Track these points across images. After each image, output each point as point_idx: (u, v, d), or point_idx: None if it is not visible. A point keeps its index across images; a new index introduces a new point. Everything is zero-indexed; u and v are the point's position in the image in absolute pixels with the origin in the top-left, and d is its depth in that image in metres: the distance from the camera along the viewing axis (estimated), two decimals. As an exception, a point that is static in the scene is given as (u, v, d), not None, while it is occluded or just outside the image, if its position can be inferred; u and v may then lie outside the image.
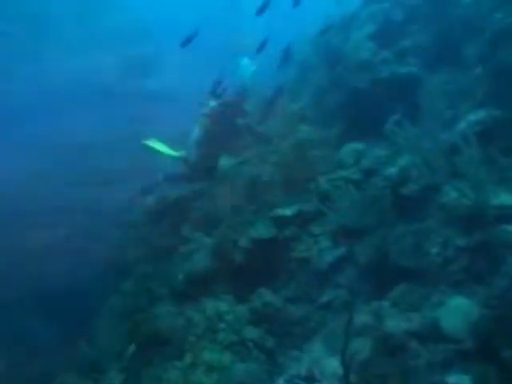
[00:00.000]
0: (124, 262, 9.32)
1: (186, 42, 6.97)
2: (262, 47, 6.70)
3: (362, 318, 4.00)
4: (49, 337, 13.30)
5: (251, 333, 4.11)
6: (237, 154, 8.94)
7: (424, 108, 5.24)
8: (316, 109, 7.62)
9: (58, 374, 7.84)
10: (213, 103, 8.78)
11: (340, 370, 3.17)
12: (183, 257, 7.67)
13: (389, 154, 5.29)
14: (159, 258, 8.71)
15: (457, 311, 3.45)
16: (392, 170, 4.51)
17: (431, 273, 3.97)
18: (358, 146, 5.60)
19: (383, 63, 5.90)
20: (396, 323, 3.60)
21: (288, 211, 5.52)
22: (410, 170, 4.41)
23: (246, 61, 9.07)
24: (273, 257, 5.55)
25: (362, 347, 3.48)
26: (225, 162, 8.65)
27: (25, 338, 13.18)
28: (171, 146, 9.43)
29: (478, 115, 4.42)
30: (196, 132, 8.95)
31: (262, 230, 5.58)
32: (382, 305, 4.03)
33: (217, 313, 4.28)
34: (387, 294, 4.18)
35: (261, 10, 6.63)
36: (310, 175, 6.06)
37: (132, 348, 6.68)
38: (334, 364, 3.76)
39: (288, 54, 8.01)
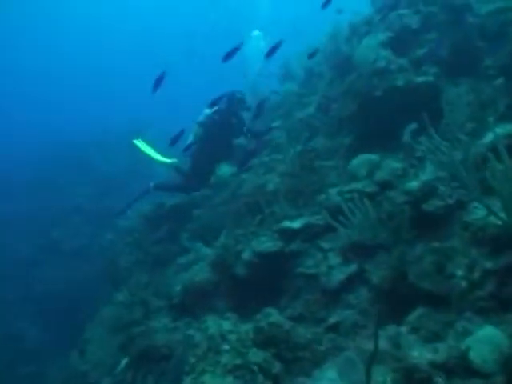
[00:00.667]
0: (118, 269, 9.02)
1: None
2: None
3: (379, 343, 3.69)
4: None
5: (256, 356, 3.77)
6: (236, 163, 8.67)
7: (443, 119, 4.97)
8: (323, 117, 7.35)
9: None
10: (207, 111, 8.49)
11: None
12: (181, 267, 7.37)
13: (405, 167, 4.99)
14: (155, 266, 8.41)
15: (486, 342, 3.14)
16: (413, 184, 4.19)
17: (455, 297, 3.65)
18: (371, 156, 5.29)
19: (399, 72, 5.61)
20: (420, 353, 3.28)
21: (295, 224, 5.20)
22: (434, 185, 4.10)
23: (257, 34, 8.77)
24: (278, 272, 5.23)
25: (382, 379, 3.15)
26: (225, 170, 8.37)
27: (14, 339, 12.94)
28: (163, 152, 9.16)
29: (505, 128, 4.13)
30: (190, 140, 8.65)
31: (267, 243, 5.26)
32: (399, 330, 3.71)
33: (219, 332, 3.94)
34: (404, 317, 3.87)
35: (228, 56, 6.39)
36: (318, 186, 5.76)
37: (124, 362, 6.35)
38: (347, 395, 3.44)
39: (261, 108, 8.02)
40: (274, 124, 8.97)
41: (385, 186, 4.81)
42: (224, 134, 8.47)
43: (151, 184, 8.96)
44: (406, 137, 5.03)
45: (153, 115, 19.68)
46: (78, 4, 40.98)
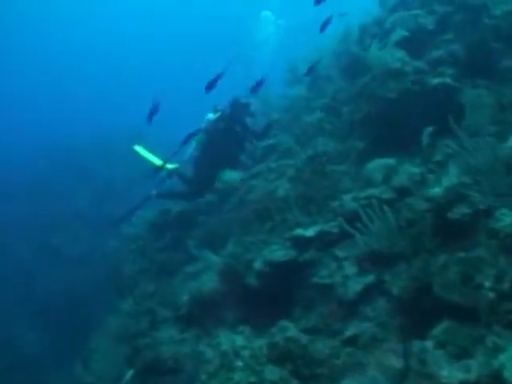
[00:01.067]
0: (122, 277, 8.82)
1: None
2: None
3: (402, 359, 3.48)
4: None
5: (273, 373, 3.55)
6: (243, 168, 8.50)
7: (463, 122, 4.77)
8: (333, 121, 7.15)
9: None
10: (210, 116, 8.32)
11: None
12: (188, 275, 7.17)
13: (423, 172, 4.79)
14: (160, 274, 8.20)
15: (521, 359, 2.92)
16: (436, 191, 3.98)
17: (483, 310, 3.43)
18: (387, 161, 5.08)
19: (415, 73, 5.41)
20: (449, 372, 3.06)
21: (308, 232, 4.98)
22: (458, 191, 3.88)
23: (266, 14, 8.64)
24: (291, 282, 5.02)
25: (411, 401, 2.94)
26: (232, 175, 8.18)
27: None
28: (165, 158, 8.99)
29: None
30: (193, 146, 8.47)
31: (279, 252, 5.04)
32: (424, 345, 3.49)
33: (232, 348, 3.72)
34: (428, 331, 3.65)
35: (149, 116, 6.47)
36: (331, 192, 5.56)
37: (130, 374, 6.13)
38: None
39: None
40: (274, 117, 8.86)
41: (403, 192, 4.59)
42: (227, 140, 8.31)
43: (154, 192, 8.79)
44: (425, 140, 4.81)
45: (154, 120, 19.48)
46: (81, 5, 40.89)
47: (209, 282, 5.90)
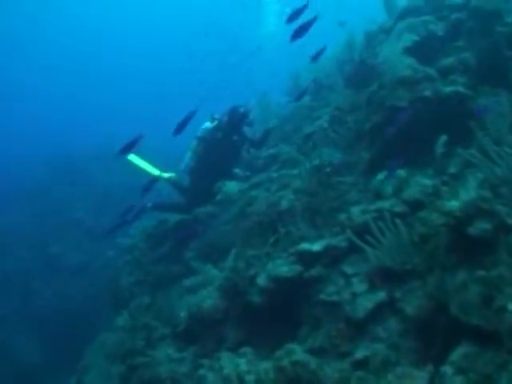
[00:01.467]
0: (118, 289, 8.56)
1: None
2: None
3: (419, 387, 3.22)
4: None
5: (279, 400, 3.28)
6: (241, 179, 8.27)
7: (478, 131, 4.54)
8: (339, 130, 6.92)
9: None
10: (207, 125, 8.09)
11: None
12: (186, 289, 6.90)
13: (436, 184, 4.54)
14: (157, 287, 7.93)
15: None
16: (453, 204, 3.73)
17: (506, 334, 3.18)
18: (398, 172, 4.84)
19: (426, 81, 5.18)
20: (474, 403, 2.80)
21: (315, 246, 4.73)
22: (478, 205, 3.62)
23: None
24: (296, 299, 4.75)
25: None
26: (231, 186, 7.95)
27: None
28: (161, 167, 8.78)
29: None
30: (188, 156, 8.23)
31: (284, 267, 4.78)
32: (443, 371, 3.23)
33: (236, 373, 3.45)
34: (446, 355, 3.39)
35: (124, 151, 6.22)
36: (337, 204, 5.31)
37: (124, 393, 5.85)
38: None
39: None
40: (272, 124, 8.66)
41: (416, 205, 4.35)
42: (225, 150, 8.09)
43: (149, 204, 8.55)
44: (439, 150, 4.58)
45: (155, 128, 19.40)
46: (76, 12, 40.85)
47: (208, 298, 5.63)
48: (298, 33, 5.84)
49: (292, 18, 5.85)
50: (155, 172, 8.80)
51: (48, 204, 16.69)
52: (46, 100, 37.78)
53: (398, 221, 3.94)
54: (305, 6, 5.93)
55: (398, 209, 4.40)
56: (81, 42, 42.23)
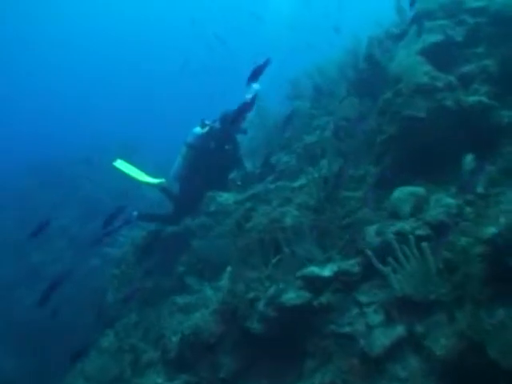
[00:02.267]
0: (103, 305, 8.03)
1: None
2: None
3: None
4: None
5: None
6: (235, 189, 7.80)
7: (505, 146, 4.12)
8: (343, 141, 6.46)
9: None
10: (197, 130, 7.61)
11: None
12: (177, 307, 6.41)
13: (460, 204, 4.10)
14: (146, 303, 7.41)
15: None
16: (491, 230, 3.26)
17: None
18: (415, 189, 4.38)
19: (446, 90, 4.73)
20: None
21: (326, 271, 4.24)
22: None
23: None
24: (304, 330, 4.26)
25: None
26: (226, 196, 7.47)
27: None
28: (149, 172, 8.30)
29: None
30: (179, 162, 7.75)
31: (290, 294, 4.28)
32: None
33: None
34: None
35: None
36: (347, 223, 4.85)
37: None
38: None
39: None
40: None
41: (441, 228, 3.88)
42: (216, 158, 7.63)
43: (134, 213, 8.04)
44: (468, 166, 4.12)
45: (145, 132, 19.00)
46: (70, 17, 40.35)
47: (203, 322, 5.13)
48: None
49: (255, 75, 5.83)
50: (144, 178, 8.33)
51: (31, 211, 16.03)
52: (30, 104, 37.04)
53: (424, 245, 3.48)
54: (267, 61, 5.96)
55: (421, 231, 3.92)
56: (67, 42, 41.67)
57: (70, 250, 14.78)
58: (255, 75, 5.67)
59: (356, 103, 6.85)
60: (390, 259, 3.68)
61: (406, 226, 4.02)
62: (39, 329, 12.04)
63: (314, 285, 4.24)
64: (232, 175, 8.08)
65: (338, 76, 8.21)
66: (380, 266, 3.71)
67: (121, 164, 8.39)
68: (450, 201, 4.12)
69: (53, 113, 34.50)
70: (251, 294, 4.71)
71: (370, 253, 3.79)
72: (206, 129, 7.71)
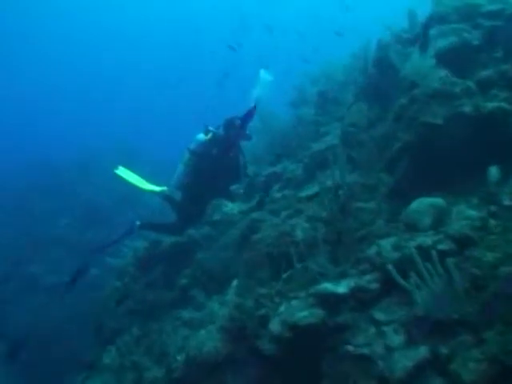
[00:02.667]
0: (105, 319, 7.79)
1: None
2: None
3: None
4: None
5: None
6: (239, 198, 7.60)
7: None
8: (353, 149, 6.23)
9: None
10: (200, 137, 7.40)
11: None
12: (181, 322, 6.17)
13: (483, 216, 3.86)
14: (149, 317, 7.18)
15: None
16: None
17: None
18: (434, 200, 4.15)
19: (464, 95, 4.51)
20: None
21: (341, 288, 4.00)
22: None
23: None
24: (318, 349, 4.01)
25: None
26: (231, 206, 7.24)
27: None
28: (151, 179, 8.10)
29: None
30: (181, 169, 7.54)
31: (303, 312, 4.03)
32: None
33: None
34: None
35: None
36: (361, 235, 4.61)
37: None
38: None
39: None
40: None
41: (466, 242, 3.65)
42: (220, 166, 7.43)
43: (137, 223, 7.83)
44: (494, 177, 3.89)
45: (145, 137, 18.82)
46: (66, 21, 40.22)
47: (209, 340, 4.88)
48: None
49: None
50: (146, 186, 8.14)
51: (27, 218, 15.78)
52: (26, 107, 36.81)
53: (450, 261, 3.25)
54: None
55: (444, 246, 3.69)
56: (64, 46, 41.55)
57: (67, 258, 14.49)
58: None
59: (364, 109, 6.62)
60: (413, 274, 3.44)
61: (427, 239, 3.79)
62: (32, 342, 11.78)
63: (329, 302, 4.00)
64: (235, 184, 7.86)
65: (345, 81, 8.00)
66: (403, 282, 3.47)
67: (123, 171, 8.21)
68: (473, 213, 3.89)
69: (53, 110, 34.32)
70: (261, 311, 4.47)
71: (390, 267, 3.55)
72: (210, 135, 7.52)
